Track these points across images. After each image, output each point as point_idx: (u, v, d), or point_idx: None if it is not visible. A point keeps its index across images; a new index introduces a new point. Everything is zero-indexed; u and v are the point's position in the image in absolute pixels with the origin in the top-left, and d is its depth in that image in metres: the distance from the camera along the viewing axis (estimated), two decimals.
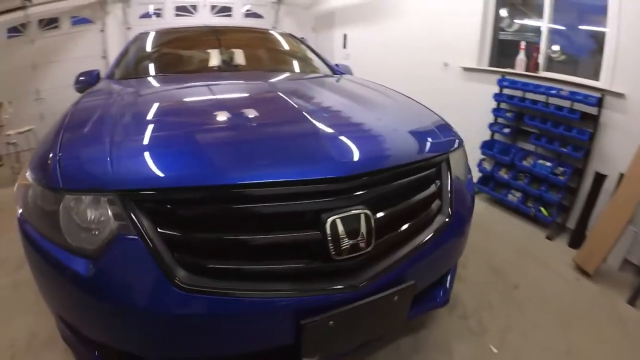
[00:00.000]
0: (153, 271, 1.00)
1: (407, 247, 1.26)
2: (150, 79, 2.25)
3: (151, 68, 2.46)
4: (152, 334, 1.08)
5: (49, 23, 5.40)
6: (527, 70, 3.23)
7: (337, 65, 2.91)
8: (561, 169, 2.91)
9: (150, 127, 1.35)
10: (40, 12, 5.14)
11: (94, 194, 1.05)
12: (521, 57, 3.26)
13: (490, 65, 3.70)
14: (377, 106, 1.84)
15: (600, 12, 2.67)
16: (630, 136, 2.48)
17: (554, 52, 3.14)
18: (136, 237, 1.01)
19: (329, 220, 1.06)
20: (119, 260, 1.02)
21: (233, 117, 1.51)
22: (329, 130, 1.34)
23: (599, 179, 2.59)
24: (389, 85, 2.23)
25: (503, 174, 3.36)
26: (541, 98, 3.06)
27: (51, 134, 1.34)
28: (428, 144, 1.48)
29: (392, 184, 1.26)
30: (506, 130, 3.38)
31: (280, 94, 1.70)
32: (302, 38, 3.38)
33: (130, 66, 2.44)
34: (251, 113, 1.55)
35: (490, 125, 3.50)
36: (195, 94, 1.91)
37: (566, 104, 2.86)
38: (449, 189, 1.47)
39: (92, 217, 1.05)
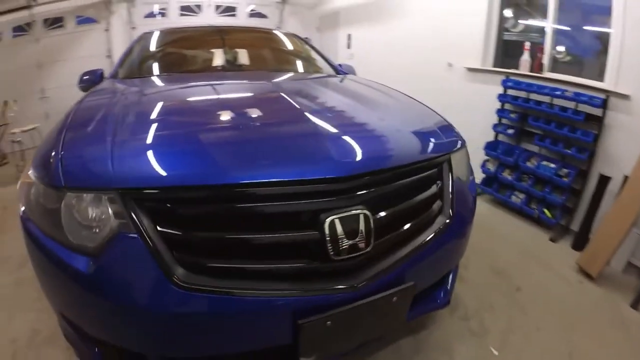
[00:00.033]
0: (152, 269, 1.00)
1: (407, 248, 1.26)
2: (153, 78, 2.26)
3: (155, 67, 2.47)
4: (151, 331, 1.08)
5: (54, 22, 5.45)
6: (531, 71, 3.20)
7: (340, 65, 2.91)
8: (565, 170, 2.89)
9: (152, 126, 1.36)
10: (45, 12, 5.17)
11: (95, 192, 1.06)
12: (525, 57, 3.24)
13: (495, 66, 3.69)
14: (379, 106, 1.83)
15: (604, 13, 2.65)
16: (635, 138, 2.46)
17: (559, 52, 3.12)
18: (136, 235, 1.01)
19: (328, 220, 1.06)
20: (119, 258, 1.03)
21: (234, 117, 1.52)
22: (330, 130, 1.34)
23: (603, 180, 2.57)
24: (392, 85, 2.22)
25: (507, 175, 3.34)
26: (545, 99, 3.04)
27: (54, 132, 1.35)
28: (429, 145, 1.47)
29: (392, 184, 1.26)
30: (510, 131, 3.36)
31: (283, 94, 1.70)
32: (306, 38, 3.39)
33: (134, 65, 2.45)
34: (253, 113, 1.55)
35: (494, 126, 3.48)
36: (198, 93, 1.92)
37: (571, 105, 2.84)
38: (450, 189, 1.46)
39: (93, 215, 1.06)
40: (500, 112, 3.43)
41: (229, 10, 6.42)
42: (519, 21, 3.48)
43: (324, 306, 1.09)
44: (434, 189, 1.41)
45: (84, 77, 2.41)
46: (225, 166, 1.13)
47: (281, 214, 1.10)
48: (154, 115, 1.46)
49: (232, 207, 1.07)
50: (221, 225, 1.07)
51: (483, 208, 3.32)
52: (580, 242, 2.66)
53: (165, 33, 2.86)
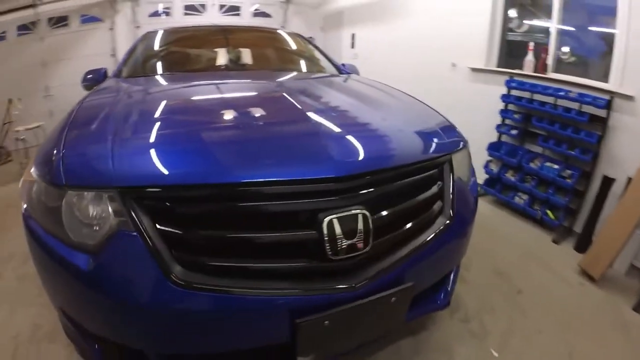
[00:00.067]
0: (150, 267, 1.01)
1: (406, 249, 1.25)
2: (156, 77, 2.27)
3: (158, 66, 2.48)
4: (149, 328, 1.09)
5: (59, 21, 5.48)
6: (535, 72, 3.19)
7: (343, 65, 2.91)
8: (569, 171, 2.87)
9: (153, 125, 1.36)
10: (50, 10, 5.22)
11: (95, 190, 1.07)
12: (529, 58, 3.22)
13: (499, 66, 3.67)
14: (381, 106, 1.83)
15: (609, 14, 2.63)
16: (639, 139, 2.44)
17: (563, 53, 3.10)
18: (135, 233, 1.02)
19: (326, 220, 1.06)
20: (118, 256, 1.04)
21: (235, 116, 1.52)
22: (331, 130, 1.34)
23: (607, 182, 2.56)
24: (396, 85, 2.22)
25: (510, 176, 3.32)
26: (549, 100, 3.02)
27: (56, 131, 1.36)
28: (430, 145, 1.47)
29: (392, 184, 1.26)
30: (514, 131, 3.34)
31: (285, 94, 1.70)
32: (310, 38, 3.39)
33: (138, 64, 2.45)
34: (254, 112, 1.55)
35: (498, 127, 3.47)
36: (200, 92, 1.92)
37: (575, 105, 2.82)
38: (450, 190, 1.45)
39: (94, 213, 1.07)
40: (504, 113, 3.42)
41: (233, 10, 6.43)
42: (524, 21, 3.46)
43: (322, 306, 1.09)
44: (434, 189, 1.41)
45: (88, 76, 2.43)
46: (225, 165, 1.13)
47: (280, 214, 1.11)
48: (155, 114, 1.47)
49: (231, 206, 1.07)
50: (220, 224, 1.07)
51: (486, 209, 3.31)
52: (583, 244, 2.64)
53: (169, 32, 2.87)
